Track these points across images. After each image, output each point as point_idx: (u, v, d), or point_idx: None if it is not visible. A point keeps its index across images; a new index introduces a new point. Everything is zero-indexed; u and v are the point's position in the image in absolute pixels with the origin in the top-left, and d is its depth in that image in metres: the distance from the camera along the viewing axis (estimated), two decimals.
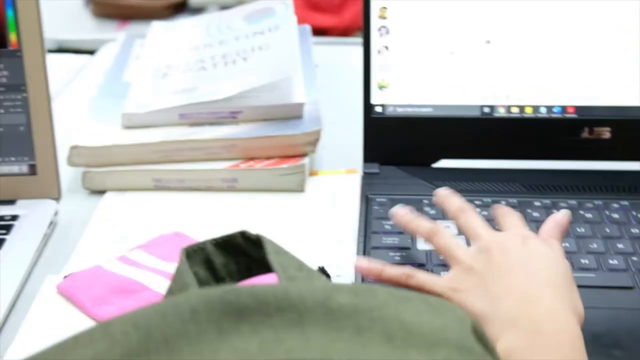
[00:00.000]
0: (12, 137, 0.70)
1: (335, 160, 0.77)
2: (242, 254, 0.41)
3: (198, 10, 2.60)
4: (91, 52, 1.09)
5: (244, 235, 0.40)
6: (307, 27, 0.93)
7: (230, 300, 0.30)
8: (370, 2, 0.71)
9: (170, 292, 0.37)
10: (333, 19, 1.83)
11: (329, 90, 0.84)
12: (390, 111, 0.72)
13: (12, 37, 0.68)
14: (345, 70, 0.88)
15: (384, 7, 0.71)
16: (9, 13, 0.68)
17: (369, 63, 0.71)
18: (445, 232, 0.54)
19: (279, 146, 0.72)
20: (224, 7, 2.39)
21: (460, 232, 0.56)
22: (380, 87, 0.72)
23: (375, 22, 0.71)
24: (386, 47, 0.71)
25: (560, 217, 0.57)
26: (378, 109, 0.72)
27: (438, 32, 0.71)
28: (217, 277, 0.40)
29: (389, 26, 0.71)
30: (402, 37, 0.71)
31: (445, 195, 0.58)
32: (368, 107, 0.72)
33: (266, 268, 0.38)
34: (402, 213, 0.58)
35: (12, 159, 0.70)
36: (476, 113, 0.72)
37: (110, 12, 2.45)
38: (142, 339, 0.29)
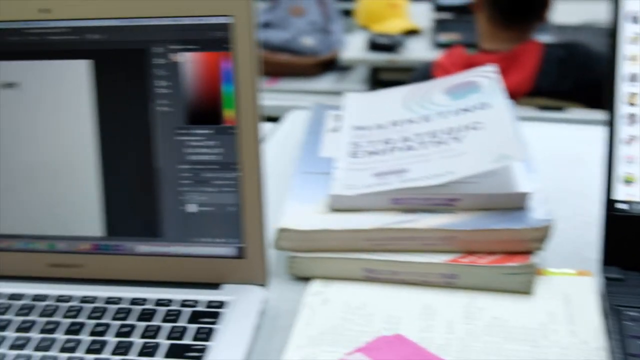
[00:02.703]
0: (222, 218, 0.66)
1: (561, 258, 0.69)
2: None
3: (346, 69, 2.60)
4: (272, 119, 1.07)
5: None
6: None
7: None
8: (615, 87, 0.64)
9: None
10: None
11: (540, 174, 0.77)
12: (637, 209, 0.64)
13: (228, 113, 0.65)
14: (558, 150, 0.82)
15: (634, 93, 0.63)
16: (227, 89, 0.65)
17: (613, 154, 0.64)
18: None
19: (503, 241, 0.65)
20: (374, 67, 2.38)
21: None
22: (626, 182, 0.64)
23: (622, 109, 0.64)
24: (634, 137, 0.64)
25: None
26: (622, 206, 0.64)
27: None
28: None
29: (639, 114, 0.63)
30: None
31: None
32: (609, 203, 0.64)
33: None
34: None
35: (220, 240, 0.67)
36: None
37: (261, 69, 2.49)
38: None
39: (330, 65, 2.56)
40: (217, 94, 0.65)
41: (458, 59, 1.83)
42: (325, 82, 2.47)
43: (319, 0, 2.72)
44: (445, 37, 2.40)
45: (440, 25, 2.54)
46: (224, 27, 0.64)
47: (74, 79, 0.67)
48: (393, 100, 0.88)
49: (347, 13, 2.85)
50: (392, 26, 2.54)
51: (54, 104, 0.67)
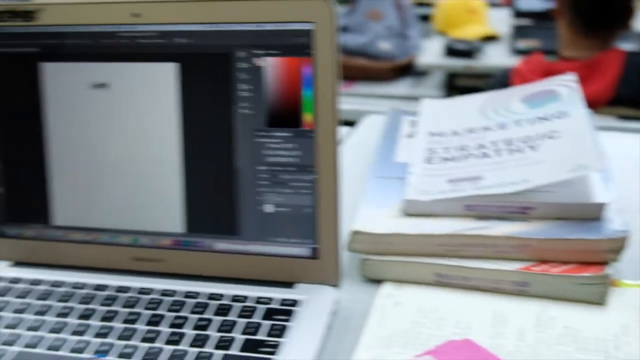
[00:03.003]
0: (297, 219, 0.68)
1: (636, 270, 0.68)
2: None
3: (422, 74, 2.60)
4: (349, 123, 1.08)
5: None
6: None
7: None
8: None
9: None
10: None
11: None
12: None
13: (307, 117, 0.67)
14: (636, 161, 0.80)
15: None
16: (307, 93, 0.67)
17: None
18: None
19: (577, 251, 0.65)
20: (451, 72, 2.37)
21: None
22: None
23: None
24: None
25: None
26: None
27: None
28: None
29: None
30: None
31: None
32: None
33: None
34: None
35: (295, 240, 0.69)
36: None
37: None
38: None
39: (406, 70, 2.56)
40: (298, 98, 0.67)
41: (537, 66, 1.81)
42: (401, 87, 2.47)
43: (397, 5, 2.72)
44: (524, 44, 2.37)
45: (519, 32, 2.51)
46: (306, 33, 0.66)
47: (162, 81, 0.70)
48: (470, 107, 0.89)
49: (425, 18, 2.84)
50: (470, 32, 2.52)
51: (142, 105, 0.70)
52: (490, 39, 2.53)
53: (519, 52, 2.32)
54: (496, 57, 2.35)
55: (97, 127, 0.72)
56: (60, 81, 0.72)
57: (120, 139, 0.71)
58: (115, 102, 0.71)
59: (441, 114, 0.89)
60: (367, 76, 2.53)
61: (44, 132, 0.73)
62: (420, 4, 3.14)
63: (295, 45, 0.67)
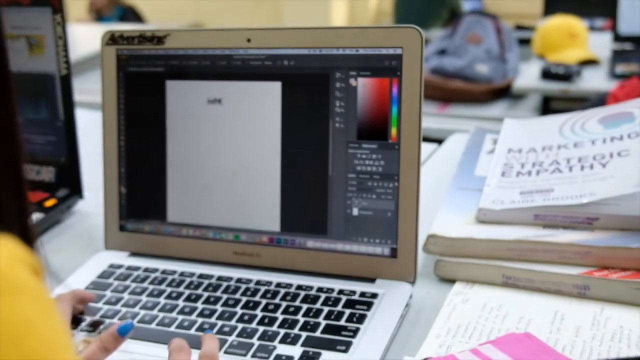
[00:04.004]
0: (379, 221, 0.77)
1: None
2: None
3: (519, 97, 2.63)
4: (437, 141, 1.16)
5: None
6: None
7: None
8: None
9: None
10: None
11: None
12: None
13: (393, 131, 0.76)
14: None
15: None
16: (394, 110, 0.76)
17: None
18: None
19: (636, 259, 0.71)
20: (547, 96, 2.39)
21: None
22: None
23: None
24: None
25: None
26: None
27: None
28: None
29: None
30: None
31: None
32: None
33: None
34: None
35: (377, 240, 0.77)
36: None
37: (434, 94, 2.57)
38: None
39: (503, 92, 2.60)
40: (386, 114, 0.76)
41: (632, 90, 1.82)
42: (497, 109, 2.51)
43: (497, 28, 2.77)
44: (623, 68, 2.37)
45: (619, 56, 2.51)
46: (396, 57, 0.75)
47: (267, 98, 0.80)
48: (550, 126, 0.95)
49: (525, 42, 2.86)
50: (569, 56, 2.54)
51: (249, 118, 0.81)
52: (589, 63, 2.54)
53: (618, 76, 2.32)
54: (594, 81, 2.36)
55: (210, 136, 0.83)
56: (181, 96, 0.83)
57: (229, 147, 0.82)
58: (227, 115, 0.82)
59: (522, 132, 0.96)
60: (463, 98, 2.58)
61: (165, 139, 0.85)
62: (521, 28, 3.16)
63: (386, 67, 0.76)
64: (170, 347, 0.62)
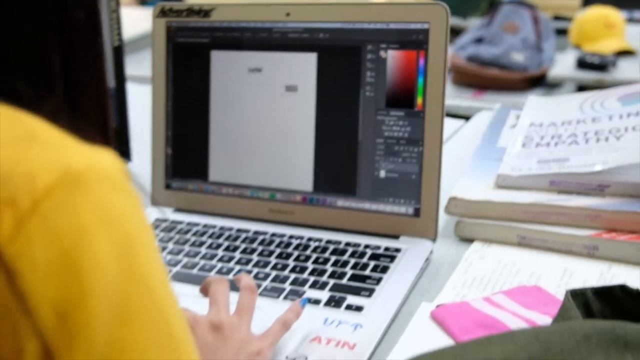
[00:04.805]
0: (404, 183, 0.83)
1: None
2: (619, 305, 0.46)
3: (554, 86, 2.65)
4: (465, 117, 1.21)
5: (623, 288, 0.46)
6: None
7: (619, 334, 0.37)
8: None
9: (556, 322, 0.44)
10: None
11: None
12: None
13: (419, 100, 0.82)
14: None
15: None
16: (420, 80, 0.82)
17: None
18: None
19: None
20: (581, 85, 2.42)
21: None
22: None
23: None
24: None
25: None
26: None
27: None
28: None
29: None
30: None
31: None
32: None
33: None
34: None
35: (401, 201, 0.83)
36: None
37: (470, 81, 2.61)
38: (542, 349, 0.37)
39: (538, 81, 2.62)
40: (412, 84, 0.82)
41: None
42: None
43: (534, 18, 2.79)
44: None
45: None
46: (423, 31, 0.81)
47: (304, 67, 0.87)
48: (571, 103, 1.00)
49: (562, 32, 2.88)
50: (606, 46, 2.55)
51: (287, 86, 0.88)
52: (626, 53, 2.55)
53: None
54: (629, 71, 2.37)
55: (250, 103, 0.90)
56: (225, 65, 0.90)
57: (267, 113, 0.89)
58: (266, 83, 0.89)
59: (544, 108, 1.01)
60: (499, 86, 2.60)
61: (208, 105, 0.92)
62: (558, 18, 3.17)
63: (413, 41, 0.82)
64: (209, 278, 0.69)
